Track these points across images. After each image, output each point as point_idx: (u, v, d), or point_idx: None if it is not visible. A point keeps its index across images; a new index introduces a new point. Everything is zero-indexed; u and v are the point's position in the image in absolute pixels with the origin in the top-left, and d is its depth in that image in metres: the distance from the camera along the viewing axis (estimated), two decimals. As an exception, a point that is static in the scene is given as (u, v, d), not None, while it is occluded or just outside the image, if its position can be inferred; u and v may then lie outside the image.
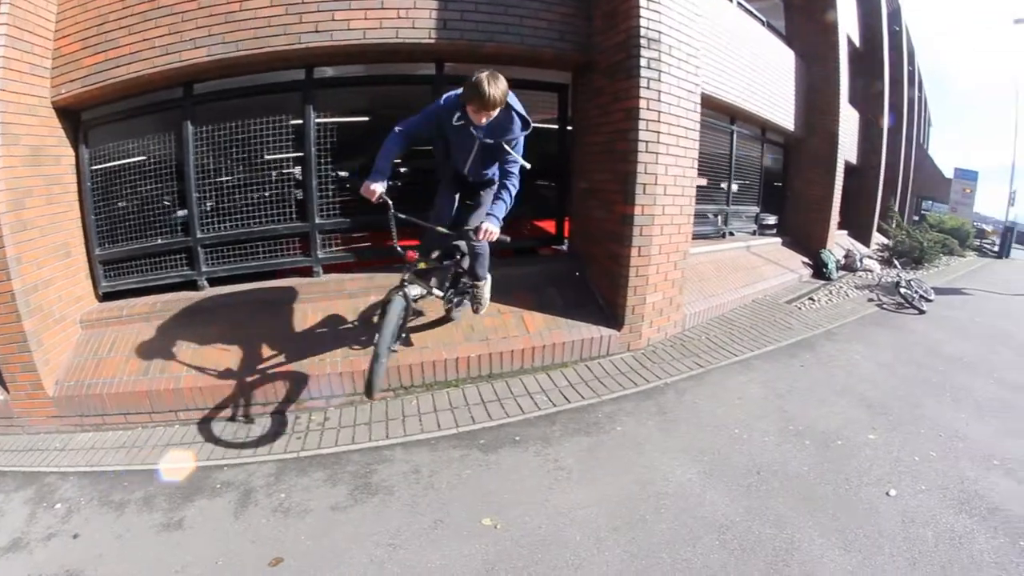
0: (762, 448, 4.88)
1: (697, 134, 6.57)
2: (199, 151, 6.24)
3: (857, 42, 16.72)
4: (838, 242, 14.48)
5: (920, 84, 32.27)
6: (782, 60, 11.87)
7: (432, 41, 6.02)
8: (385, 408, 5.39)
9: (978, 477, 5.31)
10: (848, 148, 15.22)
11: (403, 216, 4.44)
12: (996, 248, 28.27)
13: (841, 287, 11.40)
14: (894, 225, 17.67)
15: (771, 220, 12.99)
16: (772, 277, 10.19)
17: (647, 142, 5.99)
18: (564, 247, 7.67)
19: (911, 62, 26.51)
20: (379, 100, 7.49)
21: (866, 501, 4.62)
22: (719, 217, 10.81)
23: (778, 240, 12.31)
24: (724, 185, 10.79)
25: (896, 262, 14.93)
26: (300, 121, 6.28)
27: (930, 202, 35.49)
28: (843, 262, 13.37)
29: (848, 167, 16.47)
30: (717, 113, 9.90)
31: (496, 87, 4.02)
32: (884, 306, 10.61)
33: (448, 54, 6.43)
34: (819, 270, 11.98)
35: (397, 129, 4.40)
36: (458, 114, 4.32)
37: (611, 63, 6.31)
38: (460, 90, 4.23)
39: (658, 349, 6.66)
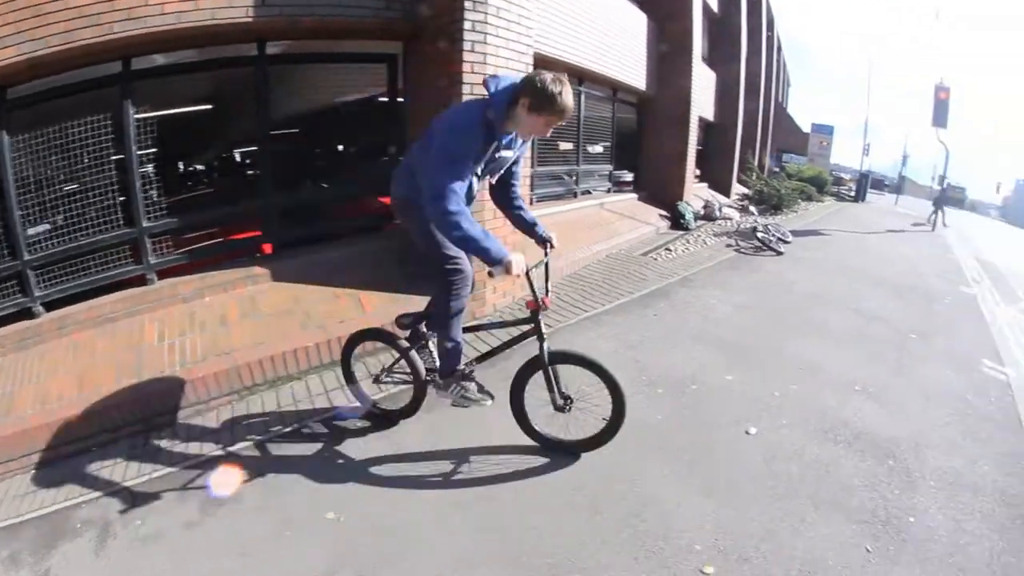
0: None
1: None
2: (17, 164, 5.53)
3: (715, 7, 17.75)
4: (697, 194, 15.23)
5: (779, 48, 35.10)
6: (634, 22, 12.09)
7: (250, 19, 5.56)
8: (231, 412, 4.96)
9: (841, 404, 5.40)
10: (704, 106, 16.10)
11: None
12: (853, 193, 32.06)
13: (699, 236, 11.73)
14: (754, 177, 19.03)
15: (627, 177, 13.23)
16: (627, 232, 10.22)
17: None
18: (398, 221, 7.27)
19: (771, 28, 28.31)
20: (207, 88, 7.19)
21: (725, 443, 4.54)
22: (573, 177, 10.54)
23: (634, 196, 12.50)
24: (573, 145, 10.57)
25: (753, 209, 15.57)
26: (118, 118, 5.79)
27: (790, 155, 38.20)
28: (702, 212, 13.86)
29: (706, 124, 17.64)
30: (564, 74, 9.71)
31: (570, 92, 3.31)
32: (742, 250, 10.87)
33: (268, 32, 5.98)
34: (677, 221, 12.27)
35: (453, 187, 3.23)
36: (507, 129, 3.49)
37: (437, 28, 6.05)
38: (493, 100, 3.35)
39: (505, 314, 6.46)
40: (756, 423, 4.85)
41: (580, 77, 10.59)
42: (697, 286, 8.17)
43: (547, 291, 3.86)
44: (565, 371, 4.00)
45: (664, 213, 12.62)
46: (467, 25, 5.72)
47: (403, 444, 4.35)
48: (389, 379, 4.46)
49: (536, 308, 3.79)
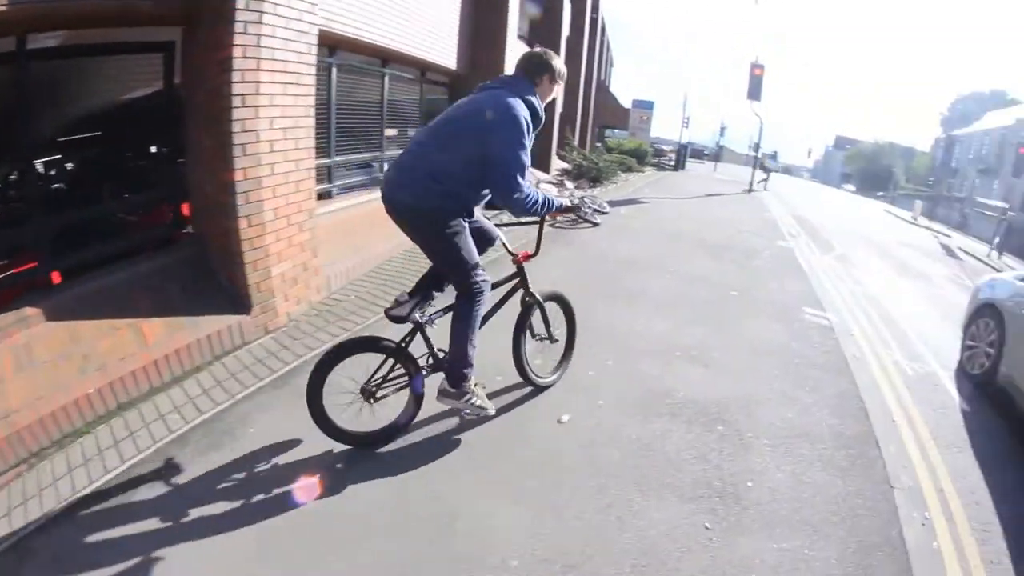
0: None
1: (312, 78, 5.97)
2: None
3: None
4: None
5: (603, 29, 36.06)
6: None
7: (4, 8, 4.37)
8: (22, 487, 3.80)
9: (662, 374, 5.16)
10: (519, 84, 15.61)
11: None
12: (673, 163, 34.32)
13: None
14: (573, 153, 19.63)
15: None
16: (436, 216, 9.43)
17: (243, 95, 5.16)
18: (188, 230, 6.47)
19: (595, 10, 29.09)
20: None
21: (538, 438, 4.09)
22: (377, 165, 9.79)
23: (444, 179, 11.78)
24: (378, 131, 9.83)
25: (567, 183, 15.76)
26: None
27: (613, 130, 40.73)
28: None
29: (524, 103, 17.06)
30: (366, 56, 9.22)
31: None
32: (558, 224, 10.66)
33: (24, 22, 4.82)
34: (491, 202, 11.50)
35: (527, 173, 3.54)
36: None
37: (212, 9, 5.21)
38: (515, 81, 3.77)
39: (301, 323, 5.80)
40: (569, 409, 4.45)
41: (384, 58, 9.81)
42: (509, 266, 7.59)
43: (538, 247, 4.40)
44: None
45: (479, 193, 12.15)
46: (240, 3, 4.98)
47: (192, 494, 3.47)
48: (388, 387, 3.90)
49: (523, 261, 4.35)
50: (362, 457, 3.73)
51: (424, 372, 3.93)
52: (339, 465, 3.65)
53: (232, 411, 4.29)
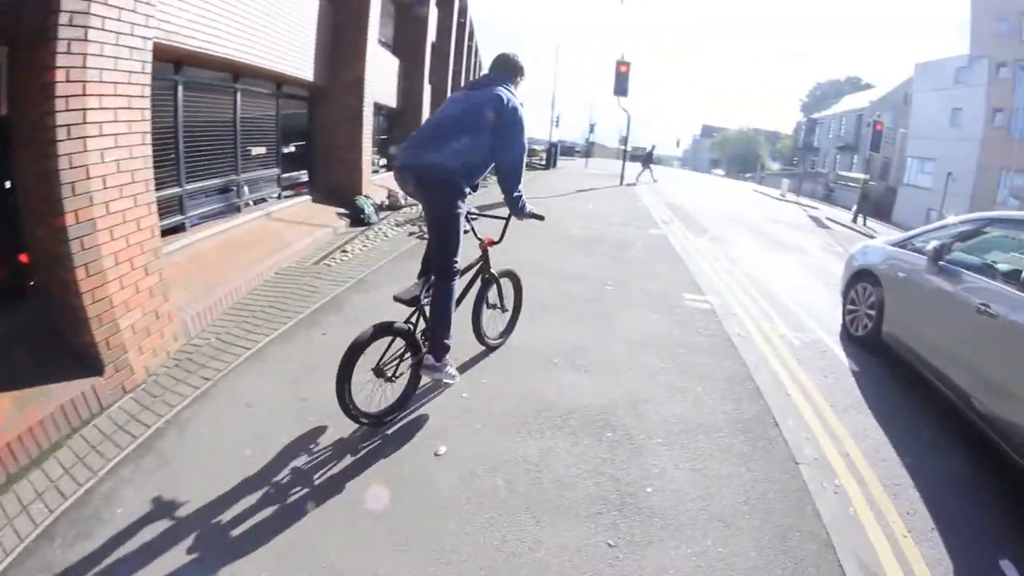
0: (279, 460, 3.76)
1: (147, 100, 5.16)
2: None
3: None
4: (383, 184, 14.50)
5: (472, 34, 36.33)
6: (303, 6, 10.79)
7: None
8: None
9: (542, 386, 4.82)
10: (384, 93, 15.56)
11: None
12: (544, 162, 34.91)
13: (381, 229, 10.98)
14: None
15: (301, 179, 11.87)
16: (299, 240, 8.99)
17: (69, 126, 4.37)
18: (32, 284, 5.50)
19: (463, 15, 28.99)
20: None
21: (413, 475, 3.66)
22: (234, 189, 9.09)
23: (308, 198, 11.30)
24: (232, 153, 9.03)
25: None
26: None
27: None
28: (386, 203, 13.28)
29: (389, 111, 17.08)
30: (214, 72, 8.47)
31: None
32: (425, 236, 10.02)
33: None
34: (357, 218, 11.28)
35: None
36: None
37: (34, 26, 4.41)
38: (500, 79, 4.33)
39: (160, 376, 5.02)
40: (446, 438, 4.03)
41: (235, 73, 9.04)
42: (373, 287, 7.20)
43: (502, 236, 5.30)
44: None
45: (343, 211, 11.68)
46: (63, 18, 4.25)
47: None
48: (403, 365, 4.24)
49: (488, 246, 5.17)
50: (231, 531, 3.25)
51: (424, 348, 4.25)
52: (211, 542, 3.17)
53: (97, 491, 3.66)
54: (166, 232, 6.93)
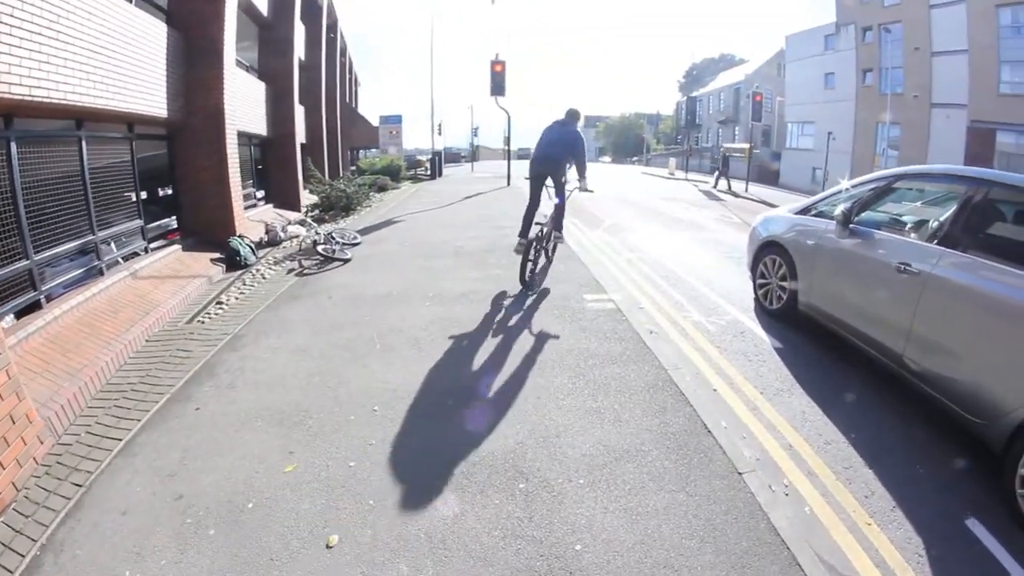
0: None
1: None
2: None
3: (264, 9, 16.21)
4: (261, 218, 13.81)
5: (345, 50, 35.61)
6: (149, 35, 9.75)
7: None
8: None
9: (437, 436, 4.26)
10: (251, 121, 14.65)
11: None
12: (429, 172, 35.35)
13: (259, 270, 10.23)
14: (316, 183, 18.47)
15: (170, 226, 10.86)
16: (169, 298, 8.12)
17: None
18: None
19: (332, 31, 28.17)
20: None
21: (293, 562, 3.10)
22: (93, 251, 8.09)
23: (178, 248, 10.30)
24: (84, 209, 7.99)
25: (311, 220, 15.06)
26: None
27: (369, 150, 40.75)
28: (266, 239, 12.44)
29: (260, 140, 16.19)
30: (52, 120, 7.51)
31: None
32: (306, 271, 9.60)
33: None
34: (233, 261, 10.41)
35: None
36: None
37: None
38: (572, 121, 8.41)
39: (31, 489, 4.15)
40: (338, 523, 3.42)
41: (77, 117, 7.97)
42: (249, 342, 6.39)
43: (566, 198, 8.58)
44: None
45: (217, 256, 10.75)
46: None
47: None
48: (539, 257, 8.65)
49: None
50: None
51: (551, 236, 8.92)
52: None
53: None
54: (19, 314, 6.11)
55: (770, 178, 40.62)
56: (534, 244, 7.89)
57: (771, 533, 3.16)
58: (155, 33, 9.98)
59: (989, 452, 3.79)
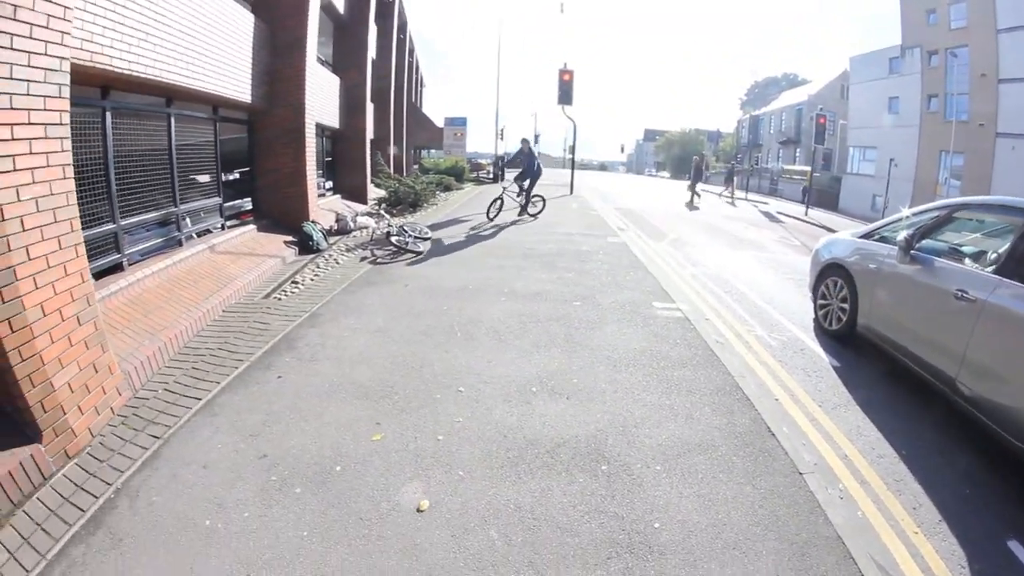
0: (241, 533, 3.34)
1: (66, 128, 4.59)
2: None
3: (340, 8, 16.85)
4: (331, 208, 14.34)
5: (412, 51, 36.32)
6: (238, 24, 10.32)
7: None
8: None
9: (523, 418, 4.56)
10: (326, 114, 15.30)
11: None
12: (491, 176, 35.30)
13: (332, 255, 10.67)
14: (385, 178, 19.53)
15: (245, 207, 11.44)
16: (245, 273, 8.61)
17: None
18: None
19: (403, 31, 28.95)
20: None
21: (395, 537, 3.33)
22: (174, 222, 8.59)
23: (253, 228, 10.80)
24: (169, 182, 8.51)
25: (384, 212, 15.56)
26: None
27: (429, 150, 41.32)
28: (335, 228, 12.94)
29: (332, 132, 16.83)
30: (145, 96, 7.94)
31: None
32: (379, 260, 10.05)
33: None
34: (305, 245, 10.93)
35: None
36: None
37: None
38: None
39: (107, 436, 4.54)
40: (427, 490, 3.71)
41: (168, 96, 8.51)
42: (327, 320, 6.96)
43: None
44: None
45: (290, 239, 11.33)
46: None
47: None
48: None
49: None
50: None
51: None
52: None
53: None
54: (102, 273, 6.51)
55: (829, 202, 39.61)
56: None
57: (828, 528, 3.39)
58: (243, 22, 10.49)
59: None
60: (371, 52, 19.29)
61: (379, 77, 21.22)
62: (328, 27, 16.64)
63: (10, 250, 4.02)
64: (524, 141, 16.42)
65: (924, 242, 5.61)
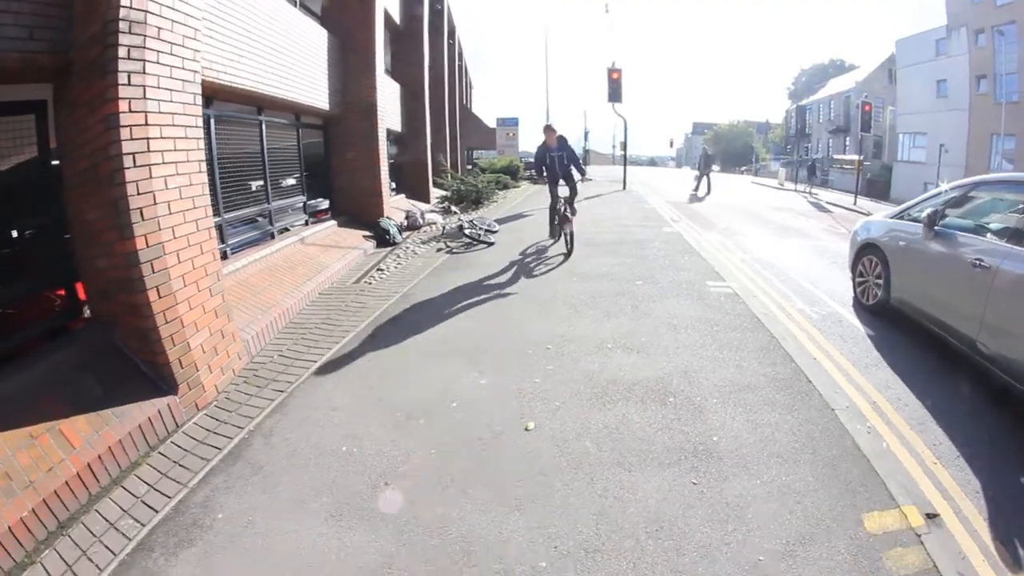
0: (377, 454, 4.22)
1: (200, 131, 5.55)
2: None
3: (397, 19, 17.92)
4: (398, 206, 15.21)
5: (461, 54, 37.13)
6: (314, 39, 11.43)
7: None
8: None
9: (602, 367, 5.46)
10: (391, 118, 16.11)
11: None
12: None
13: (408, 247, 11.65)
14: (449, 178, 19.91)
15: (323, 205, 12.52)
16: (334, 262, 9.66)
17: (134, 154, 4.65)
18: (87, 314, 5.75)
19: (452, 36, 29.95)
20: None
21: (511, 447, 4.27)
22: (267, 217, 9.65)
23: (334, 223, 11.90)
24: (262, 182, 9.62)
25: (454, 208, 16.50)
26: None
27: (481, 151, 41.43)
28: (406, 223, 13.85)
29: (394, 136, 17.51)
30: (241, 104, 9.05)
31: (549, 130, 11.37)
32: (454, 251, 11.13)
33: None
34: (383, 239, 12.08)
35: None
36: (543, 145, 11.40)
37: (88, 61, 4.71)
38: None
39: (231, 392, 5.43)
40: (532, 416, 4.65)
41: (259, 105, 9.61)
42: (419, 299, 7.98)
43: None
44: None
45: (368, 234, 12.36)
46: (121, 52, 4.53)
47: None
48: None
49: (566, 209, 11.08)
50: (357, 519, 3.58)
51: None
52: (330, 528, 3.52)
53: (190, 501, 3.88)
54: (217, 257, 7.53)
55: (880, 191, 38.37)
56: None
57: (855, 449, 4.10)
58: (318, 38, 11.57)
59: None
60: (426, 58, 20.15)
61: (433, 81, 22.00)
62: (386, 37, 17.36)
63: (159, 229, 4.82)
64: (548, 129, 11.20)
65: (948, 219, 6.06)
